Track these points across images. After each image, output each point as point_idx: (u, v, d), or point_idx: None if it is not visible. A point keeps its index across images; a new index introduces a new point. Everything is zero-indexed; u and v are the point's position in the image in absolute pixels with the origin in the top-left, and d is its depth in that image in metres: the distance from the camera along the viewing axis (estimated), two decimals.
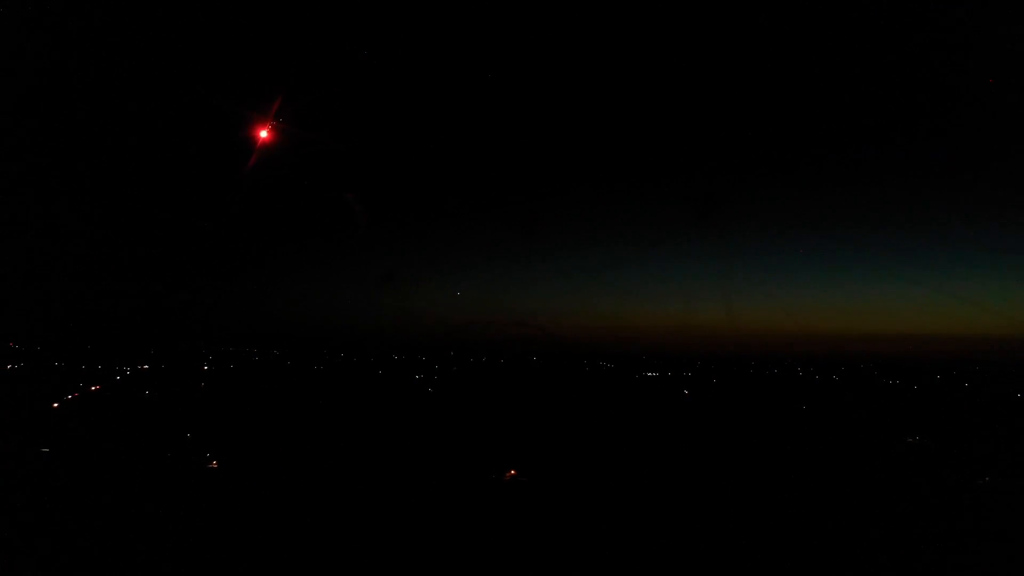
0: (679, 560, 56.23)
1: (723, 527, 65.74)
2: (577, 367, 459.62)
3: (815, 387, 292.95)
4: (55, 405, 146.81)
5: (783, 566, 55.11)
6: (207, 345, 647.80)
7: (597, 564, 54.16)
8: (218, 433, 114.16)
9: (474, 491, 77.41)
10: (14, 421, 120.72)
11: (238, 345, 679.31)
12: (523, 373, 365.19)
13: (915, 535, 64.01)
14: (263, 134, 53.52)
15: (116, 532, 57.82)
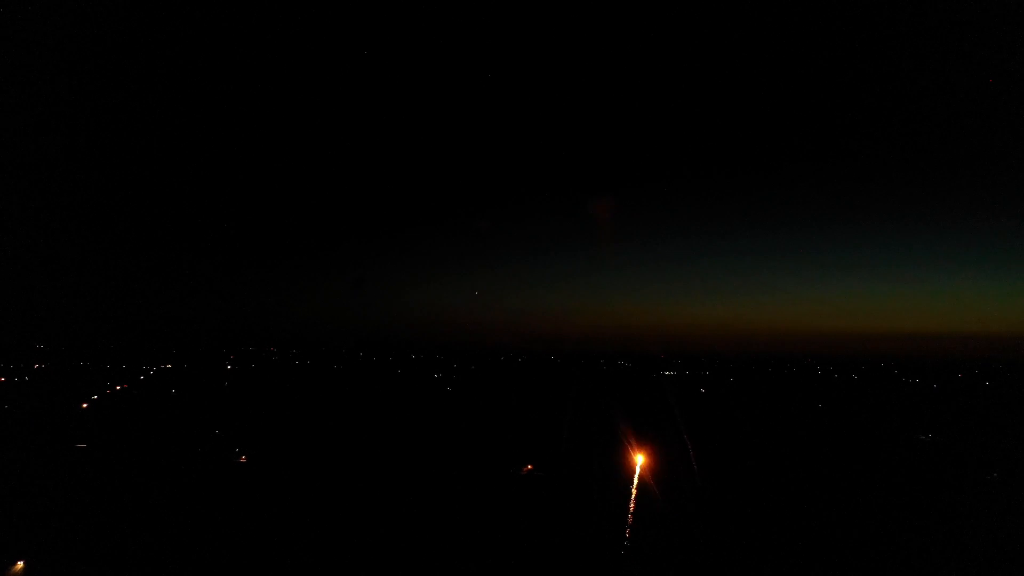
0: (680, 548, 58.68)
1: (727, 519, 68.04)
2: (595, 366, 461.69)
3: (833, 385, 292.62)
4: (84, 406, 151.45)
5: (778, 554, 57.28)
6: (227, 345, 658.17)
7: (600, 549, 56.79)
8: (245, 430, 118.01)
9: (493, 484, 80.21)
10: (49, 420, 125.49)
11: (258, 345, 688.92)
12: (541, 372, 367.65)
13: (908, 529, 65.86)
14: None
15: (159, 523, 61.45)
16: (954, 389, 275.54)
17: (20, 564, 49.08)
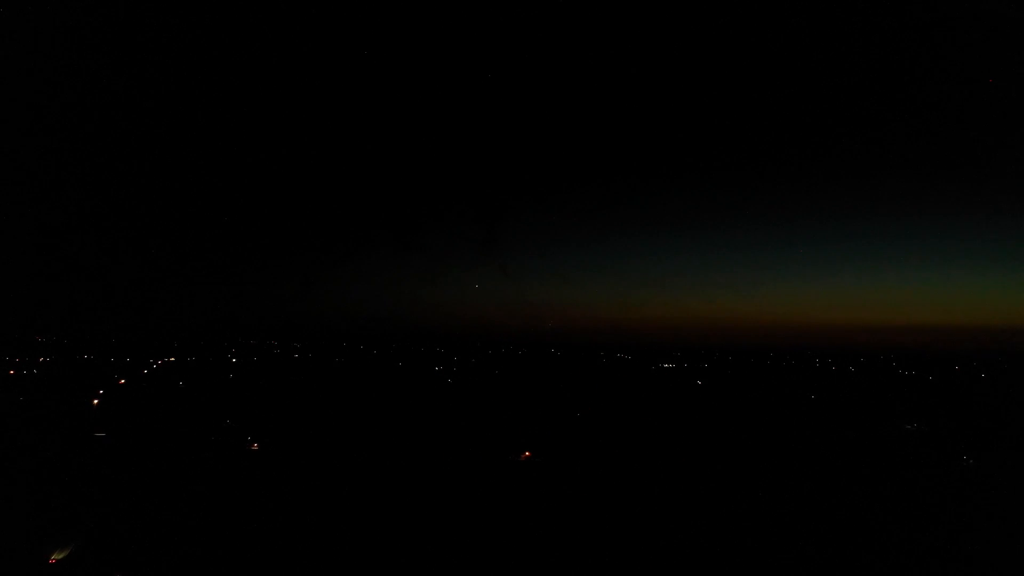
0: (674, 532, 63.30)
1: (718, 509, 72.61)
2: (595, 358, 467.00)
3: (829, 377, 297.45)
4: (95, 402, 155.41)
5: (760, 539, 61.75)
6: (228, 339, 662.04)
7: (596, 533, 61.32)
8: (254, 420, 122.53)
9: (493, 470, 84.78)
10: (64, 411, 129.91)
11: (259, 338, 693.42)
12: (542, 364, 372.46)
13: (883, 511, 70.43)
14: None
15: (186, 505, 66.05)
16: (948, 381, 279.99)
17: (56, 557, 51.61)
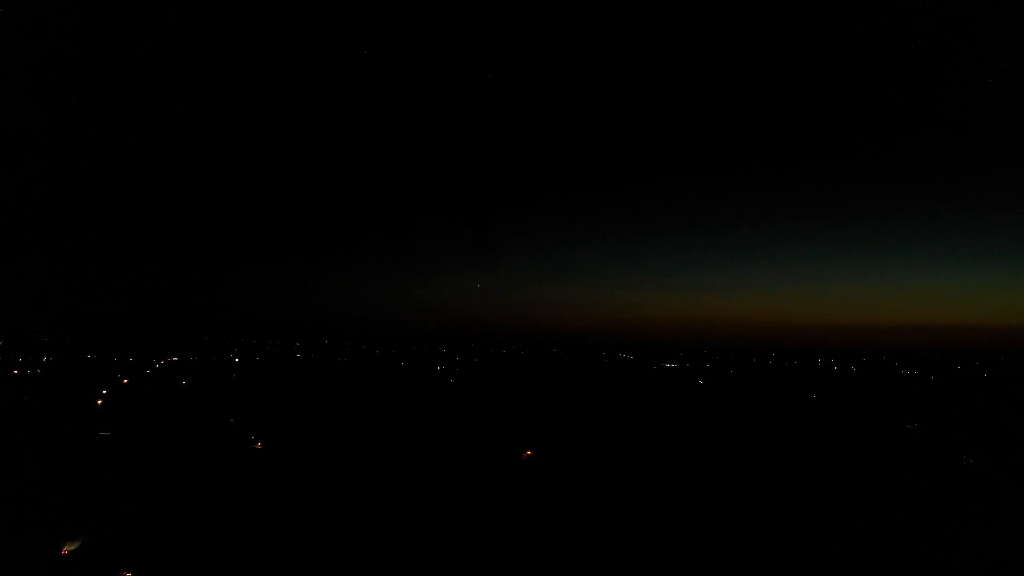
0: (675, 532, 63.80)
1: (719, 509, 73.10)
2: (596, 358, 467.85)
3: (830, 377, 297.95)
4: (98, 402, 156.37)
5: (761, 539, 62.27)
6: (231, 338, 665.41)
7: (597, 532, 61.83)
8: (257, 419, 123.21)
9: (494, 469, 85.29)
10: (69, 410, 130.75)
11: (261, 338, 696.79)
12: (543, 364, 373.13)
13: (883, 511, 70.90)
14: None
15: (192, 504, 66.71)
16: (949, 381, 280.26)
17: (67, 549, 52.92)
